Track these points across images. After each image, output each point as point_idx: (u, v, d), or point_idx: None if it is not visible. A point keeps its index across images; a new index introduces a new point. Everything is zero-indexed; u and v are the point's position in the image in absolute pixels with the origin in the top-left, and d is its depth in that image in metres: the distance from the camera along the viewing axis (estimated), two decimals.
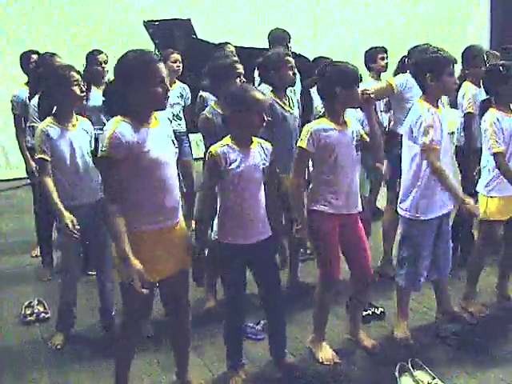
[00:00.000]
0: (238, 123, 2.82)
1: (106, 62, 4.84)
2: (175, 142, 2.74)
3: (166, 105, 2.59)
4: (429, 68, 3.16)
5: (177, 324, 2.89)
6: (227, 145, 2.83)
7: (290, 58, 3.88)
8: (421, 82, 3.23)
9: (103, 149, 2.46)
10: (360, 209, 3.19)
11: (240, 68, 3.70)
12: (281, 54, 3.91)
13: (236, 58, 3.81)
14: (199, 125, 3.77)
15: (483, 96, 4.23)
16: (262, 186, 2.92)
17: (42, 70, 4.38)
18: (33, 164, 4.59)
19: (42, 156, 3.31)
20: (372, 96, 3.09)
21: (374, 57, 5.12)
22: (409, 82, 4.12)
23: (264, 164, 2.88)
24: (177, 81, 5.23)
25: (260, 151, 2.89)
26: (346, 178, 3.08)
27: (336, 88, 2.98)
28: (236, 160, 2.80)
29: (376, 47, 5.19)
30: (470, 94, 4.23)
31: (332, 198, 3.07)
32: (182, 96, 5.23)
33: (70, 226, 3.19)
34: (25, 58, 5.02)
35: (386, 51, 5.14)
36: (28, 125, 4.62)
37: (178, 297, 2.81)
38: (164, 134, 2.65)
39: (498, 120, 3.48)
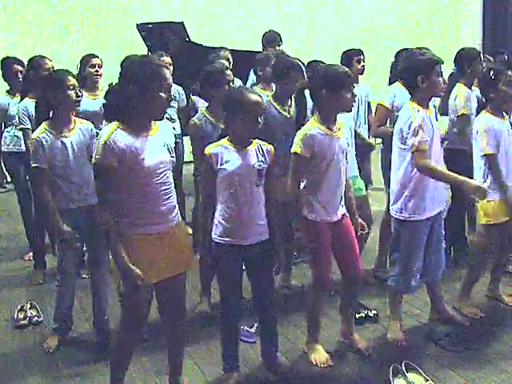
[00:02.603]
0: (234, 124, 2.84)
1: (100, 66, 4.82)
2: (172, 150, 2.74)
3: (164, 115, 2.62)
4: (418, 70, 3.16)
5: (172, 327, 2.88)
6: (222, 145, 2.86)
7: (302, 65, 3.90)
8: (410, 84, 3.23)
9: (96, 156, 2.48)
10: (344, 211, 3.20)
11: (230, 75, 3.73)
12: (295, 61, 3.93)
13: (227, 65, 3.83)
14: (188, 130, 3.84)
15: (474, 98, 4.27)
16: (261, 188, 2.92)
17: (32, 73, 4.39)
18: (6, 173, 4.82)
19: (37, 165, 3.29)
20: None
21: (349, 60, 4.94)
22: (396, 93, 4.15)
23: (260, 165, 2.88)
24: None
25: (258, 152, 2.90)
26: (336, 185, 3.09)
27: (323, 91, 2.99)
28: (229, 160, 2.82)
29: (352, 49, 4.96)
30: (463, 96, 4.24)
31: (321, 205, 3.08)
32: (175, 98, 5.23)
33: (69, 240, 3.27)
34: (6, 65, 4.95)
35: (361, 53, 4.93)
36: (17, 128, 4.59)
37: (175, 300, 2.82)
38: (161, 141, 2.65)
39: (488, 122, 3.50)
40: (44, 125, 3.34)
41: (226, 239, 2.89)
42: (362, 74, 4.85)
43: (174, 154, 2.77)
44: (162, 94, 2.52)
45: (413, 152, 3.11)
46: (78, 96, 3.34)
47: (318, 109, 3.09)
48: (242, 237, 2.89)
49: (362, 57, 4.89)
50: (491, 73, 3.57)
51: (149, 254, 2.58)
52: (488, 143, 3.46)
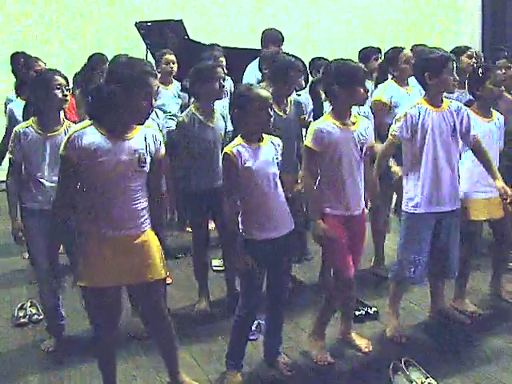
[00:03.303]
0: (246, 122, 2.86)
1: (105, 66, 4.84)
2: (145, 160, 2.58)
3: (145, 121, 2.58)
4: (426, 67, 3.19)
5: (153, 331, 2.90)
6: (240, 144, 2.86)
7: (302, 65, 3.92)
8: (420, 82, 3.28)
9: (62, 147, 2.51)
10: (362, 209, 3.19)
11: (221, 72, 3.72)
12: (293, 60, 3.95)
13: (218, 62, 3.83)
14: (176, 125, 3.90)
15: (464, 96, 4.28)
16: (278, 182, 2.94)
17: (23, 73, 4.40)
18: None
19: (10, 156, 3.37)
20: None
21: (367, 57, 5.07)
22: (392, 89, 4.19)
23: (278, 158, 2.94)
24: (174, 81, 5.23)
25: (271, 146, 2.94)
26: (350, 179, 3.08)
27: (335, 86, 3.01)
28: (250, 157, 2.84)
29: (371, 47, 5.17)
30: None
31: (335, 199, 3.09)
32: (178, 95, 5.22)
33: (17, 235, 3.39)
34: (15, 60, 5.00)
35: (380, 51, 5.11)
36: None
37: (150, 305, 2.78)
38: (132, 149, 2.55)
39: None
40: (31, 121, 3.36)
41: (255, 235, 2.89)
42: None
43: (144, 165, 2.58)
44: (143, 100, 2.47)
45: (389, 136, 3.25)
46: (64, 95, 3.31)
47: (332, 103, 3.11)
48: (270, 230, 2.91)
49: (379, 55, 5.03)
50: (479, 70, 3.58)
51: (102, 257, 2.56)
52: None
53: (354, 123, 3.10)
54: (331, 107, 3.12)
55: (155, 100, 2.67)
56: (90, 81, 4.49)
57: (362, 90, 3.02)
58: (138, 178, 2.59)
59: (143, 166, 2.58)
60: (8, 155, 3.38)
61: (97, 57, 5.10)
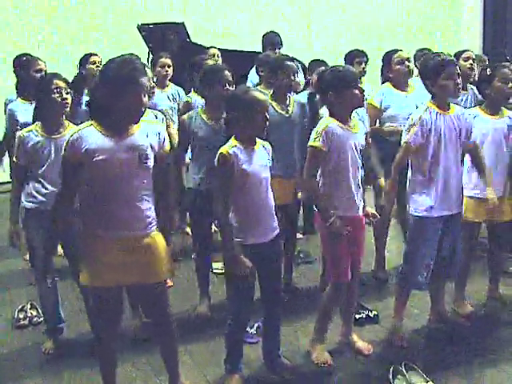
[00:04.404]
0: (241, 124, 2.85)
1: (100, 63, 4.83)
2: (146, 156, 2.57)
3: (139, 119, 2.57)
4: (428, 72, 3.21)
5: (156, 332, 2.88)
6: (236, 146, 2.85)
7: (289, 63, 3.90)
8: (427, 87, 3.28)
9: (63, 150, 2.52)
10: (361, 212, 3.20)
11: (228, 75, 3.69)
12: (282, 59, 3.96)
13: (224, 65, 3.85)
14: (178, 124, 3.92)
15: (469, 98, 4.29)
16: (269, 185, 2.94)
17: (22, 73, 4.40)
18: None
19: (15, 160, 3.39)
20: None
21: (350, 61, 4.94)
22: (385, 92, 4.23)
23: (269, 161, 2.94)
24: (170, 84, 5.24)
25: (263, 151, 2.94)
26: (352, 181, 3.09)
27: (330, 93, 3.03)
28: (246, 160, 2.84)
29: (353, 51, 4.99)
30: None
31: (338, 200, 3.09)
32: (174, 98, 5.22)
33: (14, 239, 3.42)
34: (17, 61, 5.00)
35: (364, 55, 4.96)
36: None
37: (153, 306, 2.78)
38: (133, 146, 2.55)
39: (474, 117, 3.50)
40: (35, 125, 3.38)
41: (243, 239, 2.88)
42: (363, 75, 4.86)
43: (146, 161, 2.58)
44: (136, 99, 2.48)
45: (403, 144, 3.21)
46: (63, 99, 3.30)
47: (330, 110, 3.11)
48: (259, 235, 2.90)
49: (364, 59, 4.92)
50: (488, 70, 3.59)
51: (106, 257, 2.55)
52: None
53: (354, 126, 3.12)
54: (329, 114, 3.12)
55: (149, 97, 2.69)
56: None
57: (356, 91, 3.02)
58: (141, 176, 2.58)
59: (146, 163, 2.57)
60: (14, 159, 3.38)
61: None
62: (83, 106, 4.36)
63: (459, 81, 3.20)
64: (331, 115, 3.09)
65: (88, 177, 2.53)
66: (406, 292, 3.47)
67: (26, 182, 3.40)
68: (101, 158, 2.49)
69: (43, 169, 3.34)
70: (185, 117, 3.78)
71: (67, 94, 3.33)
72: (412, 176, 3.33)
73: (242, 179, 2.83)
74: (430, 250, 3.31)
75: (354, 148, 3.08)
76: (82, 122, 2.63)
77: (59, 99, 3.29)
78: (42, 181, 3.35)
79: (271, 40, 5.72)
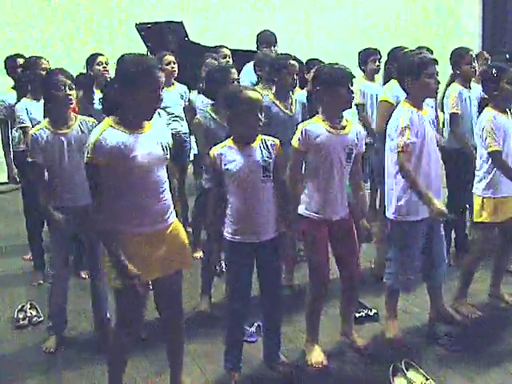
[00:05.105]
0: (235, 122, 2.84)
1: (107, 63, 4.85)
2: (167, 148, 2.66)
3: (152, 116, 2.60)
4: (407, 70, 3.18)
5: (170, 325, 2.88)
6: (226, 145, 2.86)
7: (293, 62, 3.91)
8: (402, 85, 3.25)
9: (88, 155, 2.48)
10: (347, 211, 3.18)
11: (235, 73, 3.70)
12: (286, 58, 3.97)
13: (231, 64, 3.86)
14: (192, 128, 3.86)
15: (473, 97, 4.27)
16: (269, 184, 2.91)
17: (28, 73, 4.40)
18: (15, 169, 4.75)
19: (32, 159, 3.36)
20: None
21: (365, 59, 5.10)
22: (396, 88, 4.16)
23: (266, 161, 2.87)
24: (176, 82, 5.23)
25: (263, 148, 2.89)
26: (335, 183, 3.07)
27: (319, 91, 3.02)
28: (234, 160, 2.82)
29: (368, 49, 5.18)
30: (454, 94, 4.26)
31: (320, 203, 3.08)
32: (182, 97, 5.22)
33: (59, 223, 3.29)
34: (10, 62, 4.99)
35: (378, 53, 5.13)
36: (16, 127, 4.60)
37: (172, 298, 2.81)
38: (154, 139, 2.61)
39: (494, 118, 3.48)
40: (43, 122, 3.40)
41: (238, 237, 2.89)
42: (377, 72, 4.94)
43: (168, 153, 2.67)
44: (152, 95, 2.50)
45: (398, 152, 3.11)
46: (68, 95, 3.32)
47: (319, 107, 3.10)
48: (254, 234, 2.90)
49: (378, 56, 5.10)
50: (493, 70, 3.57)
51: (140, 253, 2.56)
52: (494, 139, 3.44)
53: (344, 127, 3.07)
54: (320, 110, 3.11)
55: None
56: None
57: (344, 91, 2.99)
58: (163, 167, 2.64)
59: (166, 154, 2.64)
60: (29, 159, 3.38)
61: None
62: (96, 105, 4.39)
63: (438, 80, 3.20)
64: (321, 113, 3.08)
65: (117, 177, 2.51)
66: (396, 291, 3.46)
67: (46, 181, 3.38)
68: (131, 154, 2.49)
69: (58, 166, 3.35)
70: (199, 117, 3.73)
71: (70, 89, 3.34)
72: (394, 178, 3.23)
73: (228, 179, 2.85)
74: (416, 251, 3.31)
75: (339, 149, 3.03)
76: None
77: (63, 94, 3.31)
78: (58, 178, 3.36)
79: (267, 39, 5.71)
